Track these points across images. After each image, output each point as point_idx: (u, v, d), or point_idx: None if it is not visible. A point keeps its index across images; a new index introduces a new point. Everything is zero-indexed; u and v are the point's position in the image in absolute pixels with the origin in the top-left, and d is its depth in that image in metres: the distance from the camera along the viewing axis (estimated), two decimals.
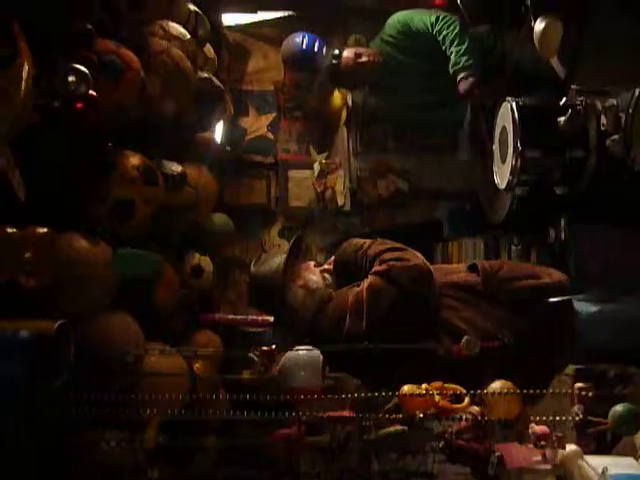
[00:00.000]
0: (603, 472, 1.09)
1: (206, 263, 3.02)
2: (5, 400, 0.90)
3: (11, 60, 1.18)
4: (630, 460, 1.16)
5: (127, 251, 1.66)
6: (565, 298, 2.15)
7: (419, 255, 2.17)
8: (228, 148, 3.63)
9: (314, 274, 2.25)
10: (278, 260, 2.24)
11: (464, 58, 3.15)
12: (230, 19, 3.84)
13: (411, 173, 3.85)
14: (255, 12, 3.93)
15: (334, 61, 3.51)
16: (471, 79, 3.14)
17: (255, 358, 1.44)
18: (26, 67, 1.19)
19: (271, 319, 2.86)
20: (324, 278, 2.28)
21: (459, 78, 3.17)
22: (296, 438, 1.30)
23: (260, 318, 3.23)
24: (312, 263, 2.37)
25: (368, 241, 2.23)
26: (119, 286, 1.71)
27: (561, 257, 3.06)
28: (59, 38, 1.36)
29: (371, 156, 3.87)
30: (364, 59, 3.48)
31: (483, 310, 2.01)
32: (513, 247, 3.39)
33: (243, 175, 3.89)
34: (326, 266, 2.29)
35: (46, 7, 1.30)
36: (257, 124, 4.03)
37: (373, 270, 2.09)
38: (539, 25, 1.99)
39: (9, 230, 1.11)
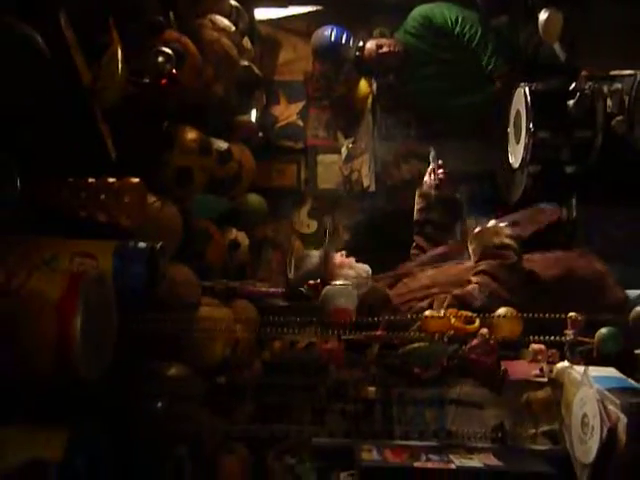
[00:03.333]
0: (585, 371, 1.34)
1: (242, 238, 3.27)
2: (134, 296, 1.19)
3: (107, 46, 1.47)
4: (610, 369, 1.41)
5: (202, 196, 1.97)
6: None
7: None
8: (260, 134, 3.90)
9: (349, 268, 2.39)
10: (315, 262, 2.40)
11: (493, 59, 3.44)
12: (262, 13, 4.10)
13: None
14: (286, 6, 4.18)
15: (357, 53, 3.78)
16: (503, 79, 3.44)
17: (304, 291, 1.71)
18: (119, 51, 1.48)
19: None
20: (359, 269, 2.42)
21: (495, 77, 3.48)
22: (337, 351, 1.57)
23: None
24: (339, 255, 2.51)
25: None
26: (180, 243, 1.99)
27: (572, 235, 3.29)
28: (139, 28, 1.64)
29: (394, 141, 4.13)
30: (385, 49, 3.75)
31: None
32: None
33: (275, 159, 4.16)
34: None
35: (131, 6, 1.59)
36: (287, 112, 4.30)
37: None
38: (542, 16, 2.25)
39: (110, 180, 1.40)
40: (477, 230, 2.40)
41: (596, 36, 2.29)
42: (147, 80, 1.48)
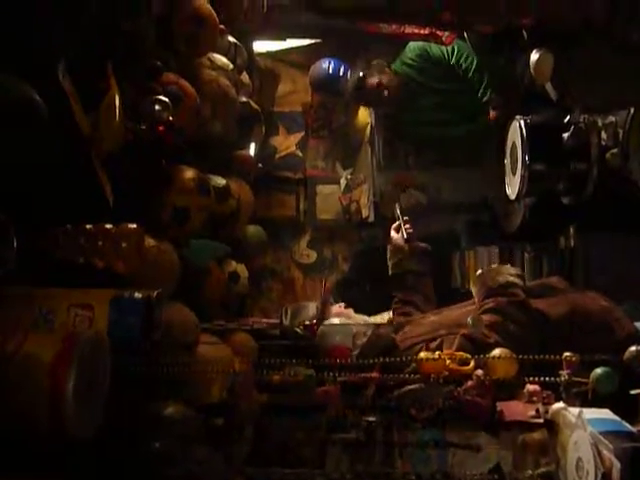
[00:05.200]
0: (579, 414, 1.35)
1: (242, 270, 3.29)
2: (129, 346, 1.20)
3: (105, 91, 1.50)
4: (605, 410, 1.42)
5: (198, 241, 1.98)
6: None
7: None
8: (260, 165, 3.94)
9: (348, 318, 2.39)
10: (312, 313, 2.38)
11: (488, 91, 3.51)
12: (261, 46, 4.15)
13: (430, 187, 4.13)
14: (284, 40, 4.25)
15: (355, 85, 3.83)
16: (497, 110, 3.51)
17: (299, 331, 1.72)
18: (117, 98, 1.50)
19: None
20: (358, 319, 2.42)
21: (490, 108, 3.55)
22: (334, 393, 1.58)
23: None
24: (337, 306, 2.53)
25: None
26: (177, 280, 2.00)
27: (570, 264, 3.30)
28: (138, 73, 1.68)
29: (393, 171, 4.16)
30: (383, 82, 3.80)
31: None
32: (526, 255, 3.63)
33: (274, 190, 4.19)
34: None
35: (129, 50, 1.62)
36: (287, 143, 4.35)
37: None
38: (534, 56, 2.29)
39: (108, 226, 1.42)
40: (480, 272, 2.41)
41: (586, 78, 2.33)
42: (144, 127, 1.51)
